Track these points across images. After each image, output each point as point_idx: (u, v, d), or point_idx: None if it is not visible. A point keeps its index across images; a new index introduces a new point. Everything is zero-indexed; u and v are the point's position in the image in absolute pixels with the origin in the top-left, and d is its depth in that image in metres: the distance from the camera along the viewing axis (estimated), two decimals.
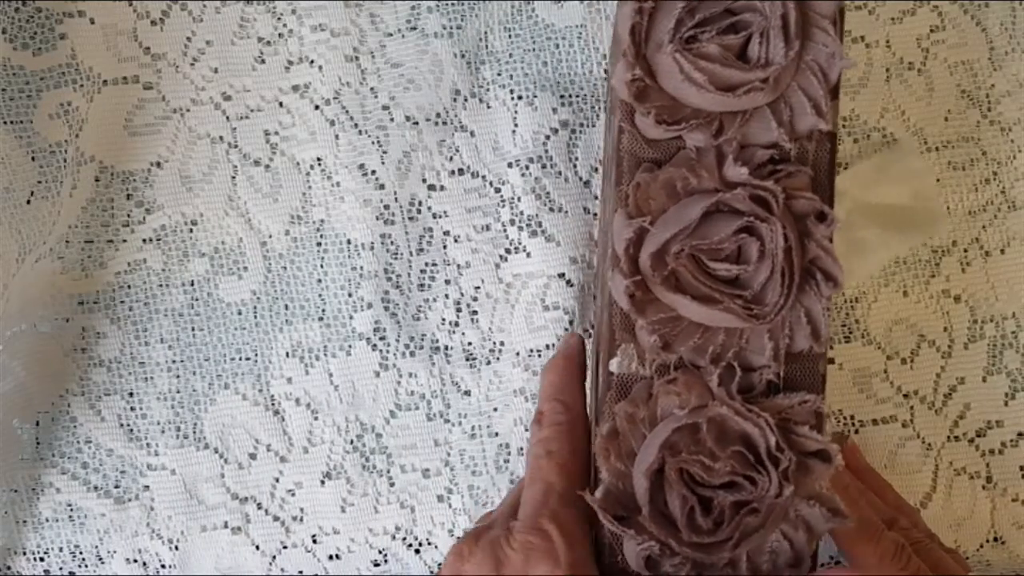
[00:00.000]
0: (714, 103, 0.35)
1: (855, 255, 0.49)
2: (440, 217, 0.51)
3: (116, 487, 0.52)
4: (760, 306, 0.35)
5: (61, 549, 0.52)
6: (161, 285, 0.52)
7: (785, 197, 0.35)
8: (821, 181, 0.36)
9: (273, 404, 0.52)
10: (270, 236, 0.52)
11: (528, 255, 0.51)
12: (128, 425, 0.52)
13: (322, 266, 0.52)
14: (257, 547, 0.52)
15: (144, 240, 0.52)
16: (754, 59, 0.35)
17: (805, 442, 0.35)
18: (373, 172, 0.51)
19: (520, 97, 0.51)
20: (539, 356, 0.51)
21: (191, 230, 0.52)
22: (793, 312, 0.35)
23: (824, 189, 0.36)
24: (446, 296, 0.51)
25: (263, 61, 0.51)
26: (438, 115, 0.51)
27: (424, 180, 0.51)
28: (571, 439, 0.40)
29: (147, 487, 0.52)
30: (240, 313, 0.52)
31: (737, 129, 0.35)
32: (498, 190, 0.51)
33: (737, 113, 0.35)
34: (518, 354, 0.51)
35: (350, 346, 0.51)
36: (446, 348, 0.51)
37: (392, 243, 0.51)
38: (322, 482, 0.52)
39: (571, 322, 0.50)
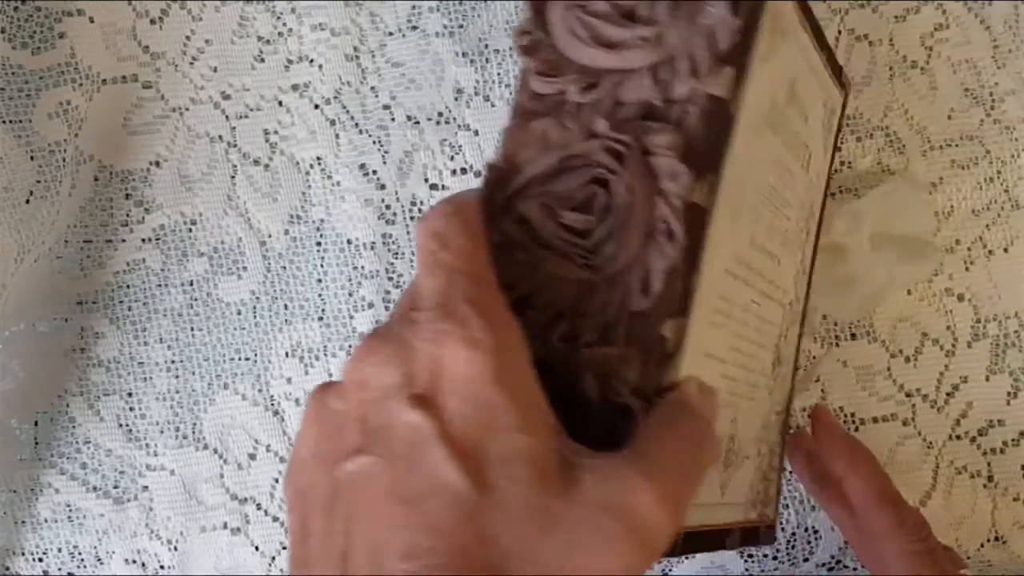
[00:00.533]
0: (596, 59, 0.35)
1: (867, 280, 0.50)
2: None
3: (115, 487, 0.52)
4: (599, 257, 0.34)
5: (60, 550, 0.52)
6: (160, 285, 0.52)
7: (644, 153, 0.35)
8: (696, 146, 0.35)
9: (273, 404, 0.52)
10: (270, 236, 0.52)
11: None
12: (127, 425, 0.52)
13: (322, 266, 0.51)
14: (257, 548, 0.52)
15: (143, 240, 0.51)
16: (641, 19, 0.35)
17: (616, 397, 0.34)
18: (374, 172, 0.51)
19: None
20: None
21: (190, 230, 0.52)
22: (633, 269, 0.35)
23: (699, 155, 0.35)
24: None
25: (263, 60, 0.51)
26: (440, 114, 0.51)
27: (426, 179, 0.51)
28: (470, 235, 0.32)
29: (146, 487, 0.52)
30: (239, 313, 0.52)
31: (614, 86, 0.35)
32: None
33: (618, 71, 0.35)
34: None
35: (350, 346, 0.51)
36: None
37: (394, 243, 0.51)
38: None
39: None
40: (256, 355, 0.52)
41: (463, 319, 0.29)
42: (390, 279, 0.51)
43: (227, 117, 0.51)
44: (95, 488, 0.52)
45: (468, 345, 0.28)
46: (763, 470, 0.43)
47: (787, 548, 0.51)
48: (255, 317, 0.52)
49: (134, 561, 0.52)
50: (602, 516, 0.27)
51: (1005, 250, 0.51)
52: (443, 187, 0.51)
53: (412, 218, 0.51)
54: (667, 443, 0.30)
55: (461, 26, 0.50)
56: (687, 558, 0.51)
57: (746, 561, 0.51)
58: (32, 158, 0.48)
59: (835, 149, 0.47)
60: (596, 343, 0.34)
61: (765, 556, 0.51)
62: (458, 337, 0.28)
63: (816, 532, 0.51)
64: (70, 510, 0.52)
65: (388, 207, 0.51)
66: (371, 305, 0.51)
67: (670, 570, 0.51)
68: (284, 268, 0.52)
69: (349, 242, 0.51)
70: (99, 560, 0.52)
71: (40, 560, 0.52)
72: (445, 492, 0.27)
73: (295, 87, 0.51)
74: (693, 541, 0.38)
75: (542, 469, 0.28)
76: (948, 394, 0.51)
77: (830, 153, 0.46)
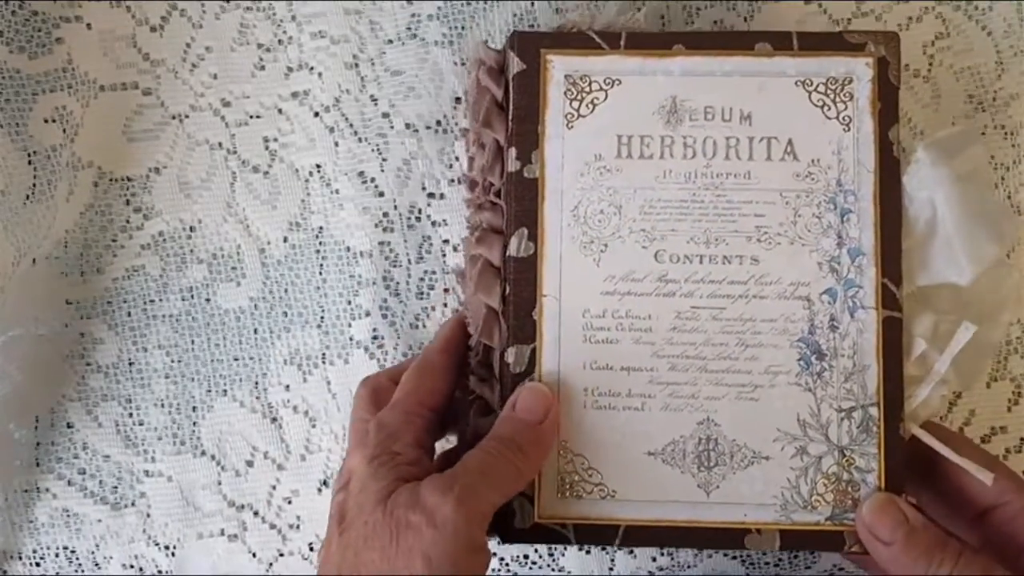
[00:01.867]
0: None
1: None
2: (439, 225, 0.51)
3: (113, 493, 0.52)
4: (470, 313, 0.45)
5: (57, 554, 0.52)
6: (159, 291, 0.52)
7: (474, 229, 0.46)
8: (510, 214, 0.43)
9: (271, 411, 0.52)
10: (268, 243, 0.51)
11: None
12: (125, 431, 0.52)
13: (321, 273, 0.51)
14: (254, 554, 0.52)
15: (142, 246, 0.51)
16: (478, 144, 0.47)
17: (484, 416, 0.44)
18: (372, 179, 0.51)
19: None
20: None
21: (189, 236, 0.52)
22: (475, 316, 0.44)
23: (512, 220, 0.43)
24: (444, 305, 0.51)
25: (263, 67, 0.51)
26: (438, 123, 0.51)
27: (424, 188, 0.51)
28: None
29: (144, 493, 0.52)
30: (238, 320, 0.52)
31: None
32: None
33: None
34: None
35: (348, 354, 0.51)
36: None
37: (391, 251, 0.51)
38: (319, 490, 0.51)
39: None
40: (255, 362, 0.52)
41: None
42: (387, 287, 0.51)
43: (227, 124, 0.51)
44: (93, 493, 0.52)
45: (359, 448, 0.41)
46: (821, 471, 0.43)
47: (789, 557, 0.51)
48: (254, 324, 0.52)
49: (131, 566, 0.52)
50: (404, 512, 0.37)
51: (1007, 256, 0.51)
52: (440, 195, 0.51)
53: (409, 226, 0.51)
54: (473, 454, 0.40)
55: (460, 35, 0.50)
56: (699, 560, 0.51)
57: (748, 569, 0.51)
58: (29, 162, 0.48)
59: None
60: (478, 378, 0.45)
61: (767, 563, 0.51)
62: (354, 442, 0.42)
63: None
64: (68, 515, 0.52)
65: (386, 215, 0.51)
66: (367, 313, 0.51)
67: None
68: (283, 275, 0.52)
69: (348, 249, 0.51)
70: (96, 565, 0.52)
71: (37, 564, 0.52)
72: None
73: (295, 95, 0.51)
74: (670, 534, 0.42)
75: (375, 495, 0.38)
76: (951, 402, 0.51)
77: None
